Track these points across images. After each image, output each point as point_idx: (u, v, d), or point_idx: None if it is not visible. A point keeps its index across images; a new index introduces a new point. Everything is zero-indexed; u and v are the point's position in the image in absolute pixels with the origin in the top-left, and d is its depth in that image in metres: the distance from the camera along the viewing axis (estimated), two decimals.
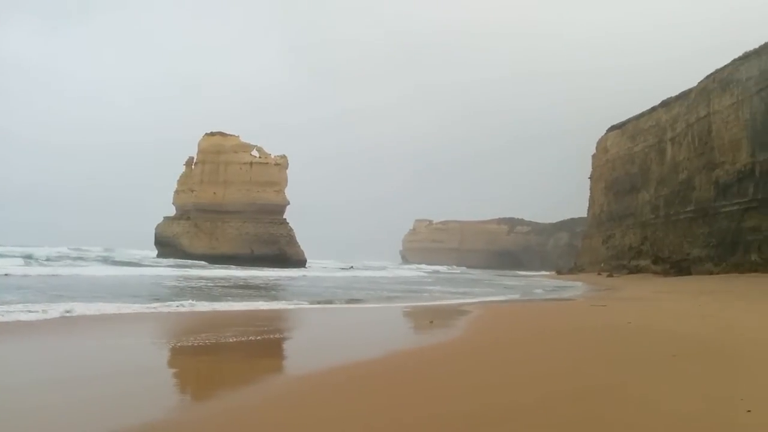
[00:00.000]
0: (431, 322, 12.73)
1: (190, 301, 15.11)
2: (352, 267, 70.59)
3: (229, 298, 18.06)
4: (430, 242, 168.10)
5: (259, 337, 9.45)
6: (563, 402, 4.90)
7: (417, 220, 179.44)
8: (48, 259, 42.82)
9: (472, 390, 5.48)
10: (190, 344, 8.49)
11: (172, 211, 73.13)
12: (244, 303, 16.27)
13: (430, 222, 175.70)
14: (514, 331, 11.12)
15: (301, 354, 8.92)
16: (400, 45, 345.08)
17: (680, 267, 42.89)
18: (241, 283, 28.13)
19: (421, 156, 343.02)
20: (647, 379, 5.77)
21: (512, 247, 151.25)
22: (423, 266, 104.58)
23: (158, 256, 66.49)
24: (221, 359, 7.75)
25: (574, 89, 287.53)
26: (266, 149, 73.36)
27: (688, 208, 47.57)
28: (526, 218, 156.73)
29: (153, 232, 73.16)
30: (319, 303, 17.67)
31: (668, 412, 4.48)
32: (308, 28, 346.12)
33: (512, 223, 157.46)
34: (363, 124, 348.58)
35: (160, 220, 73.15)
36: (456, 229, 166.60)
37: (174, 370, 7.34)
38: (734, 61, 40.89)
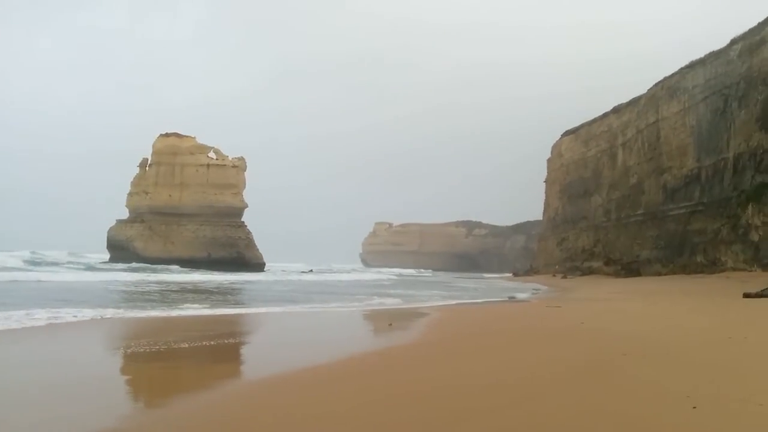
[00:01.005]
0: (390, 324, 12.78)
1: (125, 308, 14.77)
2: (311, 270, 70.10)
3: (183, 303, 17.70)
4: (390, 245, 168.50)
5: (213, 342, 9.32)
6: (515, 404, 4.99)
7: (377, 223, 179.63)
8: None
9: (429, 393, 5.52)
10: (141, 351, 8.29)
11: (125, 214, 71.21)
12: (199, 308, 15.98)
13: (390, 225, 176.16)
14: (471, 333, 11.25)
15: (259, 358, 8.83)
16: (362, 44, 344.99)
17: (630, 268, 44.23)
18: (194, 288, 27.61)
19: (381, 158, 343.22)
20: (598, 379, 5.93)
21: (471, 249, 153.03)
22: (383, 269, 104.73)
23: (111, 260, 64.71)
24: (174, 365, 7.60)
25: (531, 93, 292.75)
26: (224, 150, 72.31)
27: (638, 212, 49.14)
28: (484, 221, 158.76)
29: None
30: (277, 306, 17.51)
31: (615, 411, 4.62)
32: (265, 26, 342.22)
33: (470, 226, 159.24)
34: (321, 123, 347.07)
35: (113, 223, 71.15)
36: (416, 232, 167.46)
37: (125, 378, 7.16)
38: (681, 69, 42.51)
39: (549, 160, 76.20)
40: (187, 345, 8.95)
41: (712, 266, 35.37)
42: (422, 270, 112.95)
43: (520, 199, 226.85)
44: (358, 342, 10.29)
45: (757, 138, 32.49)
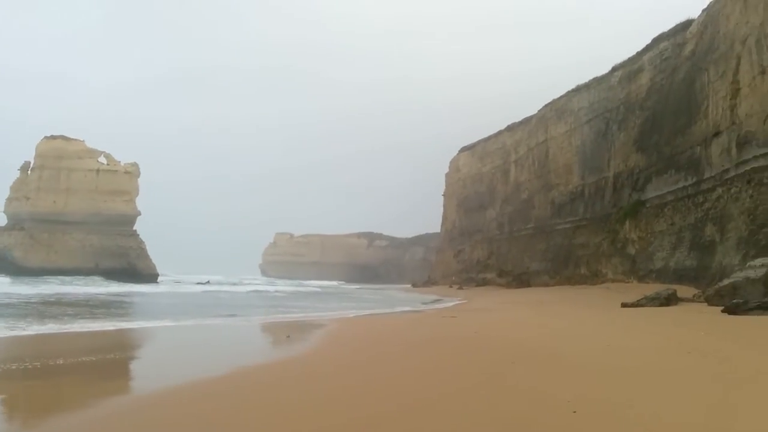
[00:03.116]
0: (288, 336, 12.57)
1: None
2: (208, 282, 67.52)
3: (63, 316, 16.39)
4: (291, 255, 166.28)
5: (95, 358, 8.69)
6: (407, 413, 5.02)
7: (278, 234, 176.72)
8: None
9: (325, 403, 5.44)
10: (14, 368, 7.57)
11: (2, 221, 65.32)
12: (82, 322, 14.87)
13: (291, 235, 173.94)
14: (366, 343, 11.27)
15: (147, 373, 8.32)
16: (266, 56, 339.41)
17: (521, 279, 46.42)
18: (77, 300, 25.71)
19: (283, 169, 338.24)
20: (488, 386, 6.10)
21: (371, 260, 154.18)
22: (284, 280, 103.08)
23: None
24: (52, 383, 6.98)
25: (431, 108, 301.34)
26: (115, 156, 68.39)
27: (529, 225, 51.85)
28: (385, 233, 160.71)
29: None
30: (169, 320, 16.64)
31: (501, 417, 4.77)
32: (168, 31, 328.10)
33: (371, 237, 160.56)
34: (226, 134, 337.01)
35: None
36: (317, 243, 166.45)
37: None
38: (568, 92, 45.50)
39: (447, 175, 78.67)
40: (65, 361, 8.28)
41: (594, 277, 37.91)
42: (323, 281, 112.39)
43: (420, 212, 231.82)
44: (253, 355, 9.97)
45: (634, 159, 35.32)
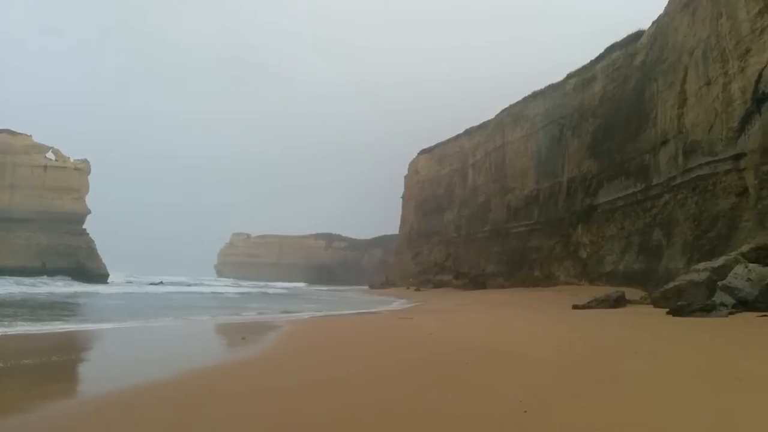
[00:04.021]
0: (243, 338, 12.40)
1: None
2: (161, 282, 65.98)
3: (3, 318, 15.75)
4: (248, 256, 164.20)
5: (37, 361, 8.38)
6: (361, 416, 5.02)
7: (234, 234, 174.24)
8: None
9: (276, 403, 5.38)
10: None
11: None
12: (23, 324, 14.32)
13: (248, 236, 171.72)
14: (322, 345, 11.22)
15: (91, 377, 8.07)
16: (218, 51, 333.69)
17: (477, 281, 47.06)
18: (21, 301, 24.78)
19: (240, 168, 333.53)
20: (442, 387, 6.16)
21: (329, 262, 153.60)
22: (240, 281, 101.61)
23: None
24: None
25: (391, 110, 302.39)
26: (64, 152, 66.13)
27: (485, 228, 52.61)
28: (344, 234, 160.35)
29: None
30: (120, 322, 16.18)
31: (453, 417, 4.82)
32: (120, 27, 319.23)
33: (330, 238, 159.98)
34: (177, 131, 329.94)
35: None
36: (274, 244, 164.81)
37: None
38: (525, 98, 46.44)
39: (406, 177, 79.11)
40: (4, 364, 7.95)
41: (547, 280, 38.76)
42: (281, 282, 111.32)
43: (379, 213, 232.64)
44: (205, 357, 9.78)
45: (587, 165, 36.28)
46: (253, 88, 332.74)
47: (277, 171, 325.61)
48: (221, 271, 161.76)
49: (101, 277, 62.26)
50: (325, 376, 7.10)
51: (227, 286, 67.73)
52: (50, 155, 65.07)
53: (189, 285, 64.28)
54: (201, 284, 69.60)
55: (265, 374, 7.53)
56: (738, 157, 20.52)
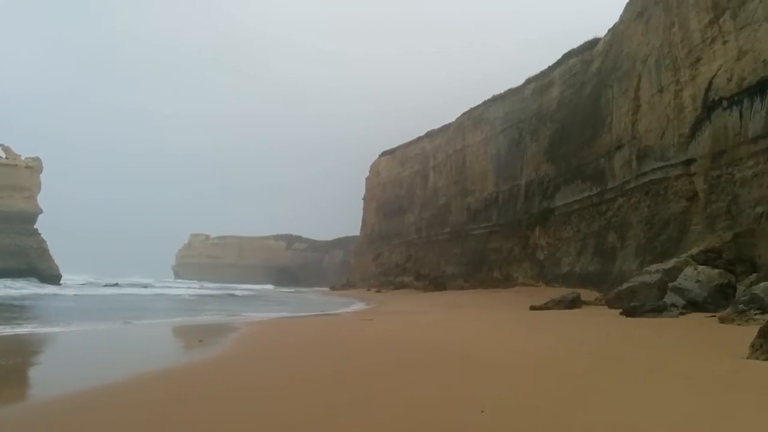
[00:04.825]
0: (201, 340, 12.17)
1: None
2: (116, 284, 64.20)
3: None
4: (207, 258, 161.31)
5: None
6: (317, 420, 4.97)
7: (192, 235, 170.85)
8: None
9: (232, 407, 5.28)
10: None
11: None
12: None
13: (207, 237, 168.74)
14: (281, 347, 11.09)
15: (36, 382, 7.77)
16: (176, 51, 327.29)
17: (437, 283, 47.36)
18: None
19: (199, 168, 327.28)
20: (401, 388, 6.15)
21: (290, 263, 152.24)
22: (199, 282, 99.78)
23: None
24: None
25: (353, 110, 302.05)
26: (15, 149, 63.78)
27: (446, 230, 53.05)
28: (304, 235, 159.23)
29: None
30: (67, 325, 15.65)
31: (411, 418, 4.82)
32: (75, 23, 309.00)
33: (290, 239, 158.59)
34: (134, 128, 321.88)
35: None
36: (234, 245, 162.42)
37: None
38: (485, 102, 47.06)
39: (367, 179, 79.14)
40: None
41: (506, 281, 39.31)
42: (240, 283, 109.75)
43: (340, 215, 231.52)
44: (161, 360, 9.54)
45: (544, 168, 36.98)
46: (213, 86, 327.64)
47: (235, 171, 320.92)
48: (179, 272, 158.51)
49: (54, 279, 60.24)
50: (282, 379, 7.01)
51: (189, 288, 66.27)
52: (0, 153, 62.69)
53: (146, 287, 62.70)
54: (164, 286, 67.94)
55: (222, 377, 7.39)
56: (688, 162, 21.24)
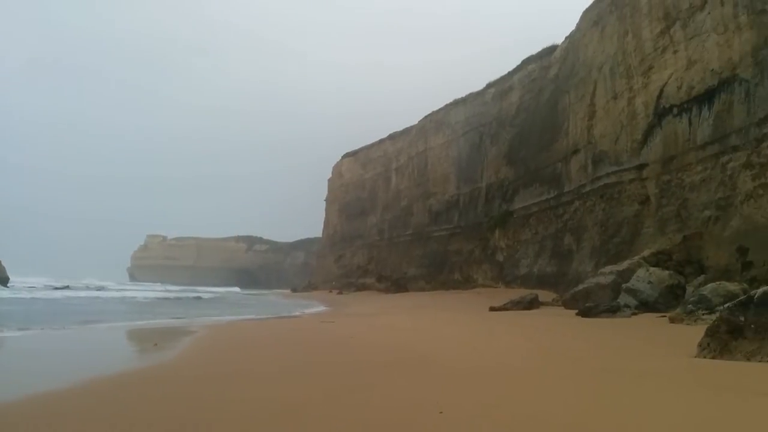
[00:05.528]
0: (155, 344, 11.90)
1: None
2: (68, 286, 62.10)
3: None
4: (164, 259, 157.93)
5: None
6: (272, 420, 4.94)
7: (149, 236, 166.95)
8: None
9: (188, 412, 5.20)
10: None
11: None
12: None
13: (164, 238, 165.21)
14: (239, 349, 10.95)
15: None
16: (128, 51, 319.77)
17: (399, 284, 47.54)
18: None
19: (153, 168, 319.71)
20: (358, 391, 6.15)
21: (250, 265, 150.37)
22: (155, 284, 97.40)
23: None
24: None
25: (315, 113, 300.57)
26: None
27: (408, 232, 53.30)
28: (265, 237, 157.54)
29: None
30: (17, 330, 15.08)
31: (369, 420, 4.83)
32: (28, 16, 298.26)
33: (251, 241, 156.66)
34: (88, 127, 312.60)
35: None
36: (192, 246, 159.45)
37: None
38: (446, 105, 47.54)
39: (330, 180, 78.87)
40: None
41: (467, 283, 39.75)
42: (199, 286, 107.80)
43: (301, 216, 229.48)
44: (111, 364, 9.30)
45: (504, 171, 37.56)
46: (171, 73, 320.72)
47: (193, 162, 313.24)
48: (134, 274, 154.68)
49: (1, 281, 57.93)
50: (237, 384, 6.92)
51: (151, 291, 64.43)
52: None
53: (100, 289, 60.84)
54: (120, 289, 65.91)
55: (176, 382, 7.25)
56: (641, 167, 21.92)
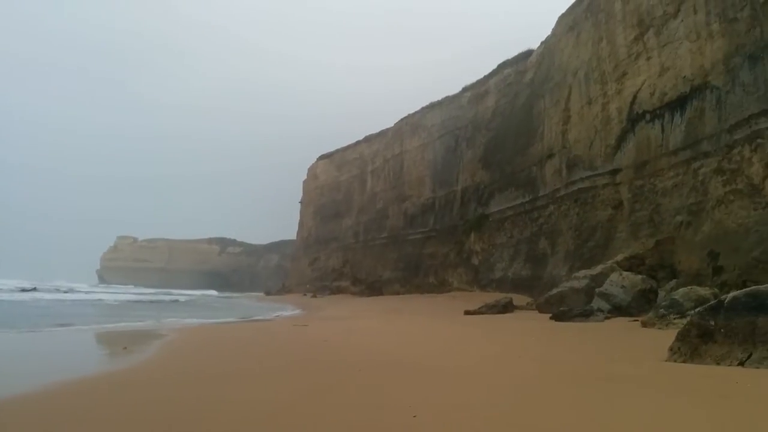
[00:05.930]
0: (125, 348, 11.60)
1: None
2: (35, 288, 60.57)
3: None
4: (134, 261, 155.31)
5: None
6: (243, 425, 4.80)
7: (119, 237, 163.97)
8: None
9: (161, 418, 5.02)
10: None
11: None
12: None
13: (135, 239, 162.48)
14: (211, 353, 10.73)
15: None
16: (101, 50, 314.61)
17: (374, 287, 47.43)
18: None
19: (124, 167, 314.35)
20: (331, 394, 6.04)
21: (223, 267, 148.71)
22: (125, 287, 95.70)
23: None
24: None
25: (289, 115, 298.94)
26: None
27: (383, 235, 53.24)
28: (238, 239, 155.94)
29: None
30: None
31: (342, 423, 4.73)
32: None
33: (224, 243, 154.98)
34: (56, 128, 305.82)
35: None
36: (163, 248, 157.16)
37: None
38: (422, 108, 47.69)
39: (305, 182, 78.45)
40: None
41: (442, 286, 39.79)
42: (170, 288, 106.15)
43: (275, 218, 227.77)
44: (80, 368, 9.01)
45: (480, 175, 37.74)
46: (144, 71, 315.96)
47: (164, 163, 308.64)
48: (104, 276, 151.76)
49: None
50: (208, 388, 6.75)
51: (122, 294, 63.10)
52: None
53: (68, 291, 59.43)
54: (89, 291, 64.44)
55: (147, 385, 7.04)
56: (614, 172, 22.19)
